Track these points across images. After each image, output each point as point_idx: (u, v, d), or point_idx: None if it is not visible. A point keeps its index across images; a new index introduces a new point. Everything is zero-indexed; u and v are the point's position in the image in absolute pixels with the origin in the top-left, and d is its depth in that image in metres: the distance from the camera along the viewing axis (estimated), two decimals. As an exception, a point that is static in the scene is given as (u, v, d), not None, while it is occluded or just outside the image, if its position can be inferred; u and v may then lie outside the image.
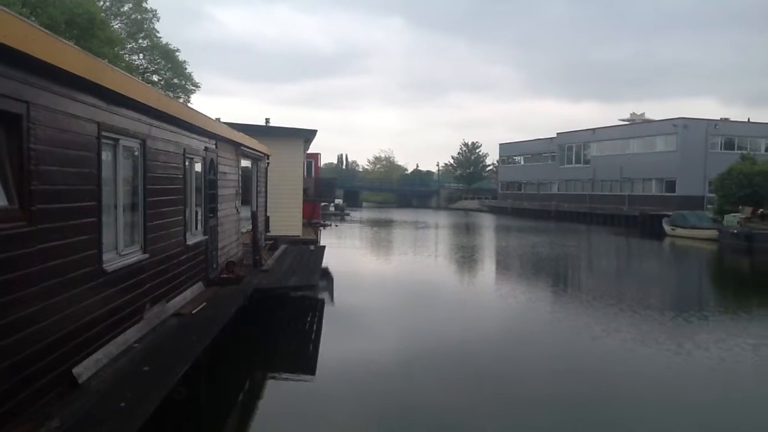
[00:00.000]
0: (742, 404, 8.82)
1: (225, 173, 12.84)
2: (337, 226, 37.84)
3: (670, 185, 55.26)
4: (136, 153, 7.58)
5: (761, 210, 35.93)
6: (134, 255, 7.46)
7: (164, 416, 5.97)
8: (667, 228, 41.50)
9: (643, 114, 70.57)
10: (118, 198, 6.99)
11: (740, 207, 37.46)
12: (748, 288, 21.84)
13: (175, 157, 9.09)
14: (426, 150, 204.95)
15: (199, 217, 10.88)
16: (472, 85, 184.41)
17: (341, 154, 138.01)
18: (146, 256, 7.76)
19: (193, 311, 8.96)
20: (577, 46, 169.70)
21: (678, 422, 8.04)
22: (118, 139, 6.82)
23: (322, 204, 35.67)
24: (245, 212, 15.50)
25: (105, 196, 6.45)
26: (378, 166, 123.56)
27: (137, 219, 7.67)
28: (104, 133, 6.34)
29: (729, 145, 55.45)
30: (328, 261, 22.17)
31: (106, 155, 6.56)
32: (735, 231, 34.99)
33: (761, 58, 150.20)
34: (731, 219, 36.51)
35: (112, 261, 6.69)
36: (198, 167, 10.65)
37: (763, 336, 12.65)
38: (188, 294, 9.79)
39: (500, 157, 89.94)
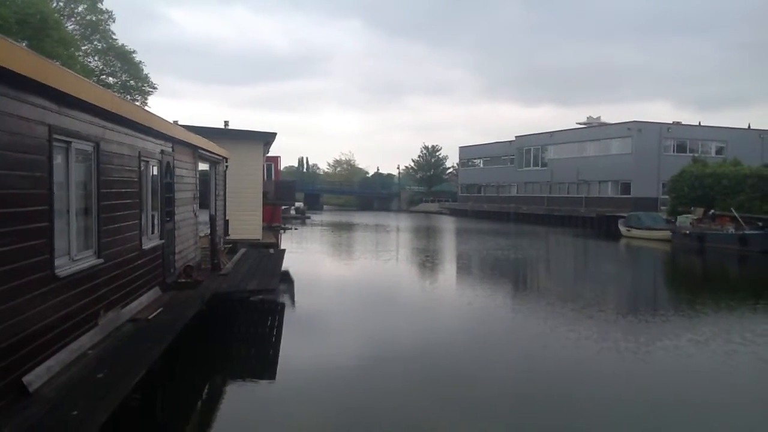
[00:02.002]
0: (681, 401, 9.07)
1: (182, 176, 12.67)
2: (296, 229, 37.63)
3: (626, 187, 56.48)
4: (90, 156, 7.44)
5: (712, 211, 36.97)
6: (88, 260, 7.31)
7: (119, 424, 5.87)
8: (622, 229, 42.43)
9: (599, 118, 71.98)
10: (71, 202, 6.85)
11: (692, 208, 38.51)
12: (698, 287, 22.45)
13: (130, 160, 8.94)
14: (387, 153, 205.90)
15: (156, 221, 10.71)
16: (432, 88, 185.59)
17: (302, 157, 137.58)
18: (100, 261, 7.61)
19: (150, 317, 8.82)
20: (533, 50, 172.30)
21: (627, 419, 8.22)
22: (70, 142, 6.68)
23: (283, 207, 35.46)
24: (204, 216, 15.33)
25: (57, 201, 6.32)
26: (339, 169, 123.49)
27: (91, 223, 7.51)
28: (56, 136, 6.20)
29: (681, 148, 56.92)
30: (289, 265, 22.03)
31: (57, 158, 6.42)
32: (687, 231, 35.98)
33: (709, 64, 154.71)
34: (684, 220, 37.50)
35: (64, 266, 6.54)
36: (154, 170, 10.50)
37: (706, 333, 12.99)
38: (144, 299, 9.63)
39: (460, 160, 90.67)
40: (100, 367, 6.39)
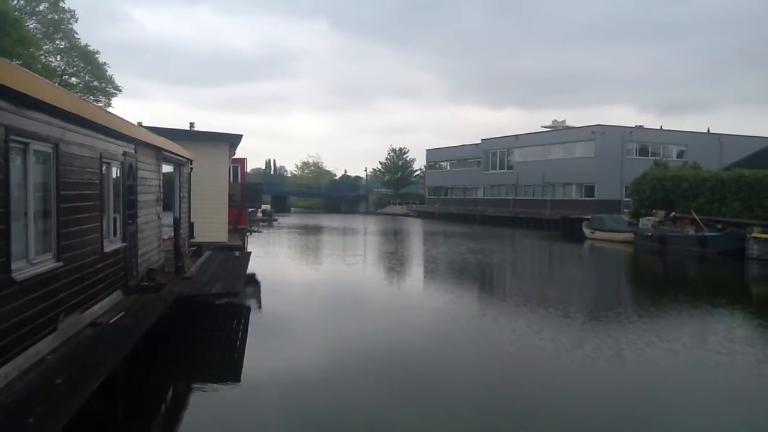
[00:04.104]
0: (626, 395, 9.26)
1: (145, 178, 12.51)
2: (260, 232, 37.38)
3: (590, 190, 57.38)
4: (49, 158, 7.30)
5: (673, 213, 37.76)
6: (47, 263, 7.17)
7: (78, 431, 5.77)
8: (586, 231, 43.11)
9: (564, 121, 73.00)
10: (29, 204, 6.71)
11: (654, 210, 39.26)
12: (658, 288, 22.92)
13: (90, 162, 8.80)
14: (354, 155, 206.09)
15: (118, 224, 10.55)
16: (398, 91, 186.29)
17: (269, 160, 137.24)
18: (60, 264, 7.47)
19: (111, 321, 8.69)
20: (499, 54, 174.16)
21: (579, 414, 8.36)
22: (27, 143, 6.55)
23: (249, 209, 35.19)
24: (168, 218, 15.15)
25: (14, 203, 6.19)
26: (306, 171, 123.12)
27: (50, 226, 7.37)
28: (12, 137, 6.08)
29: (643, 151, 58.03)
30: (256, 268, 21.90)
31: (14, 160, 6.30)
32: (649, 233, 36.72)
33: (670, 70, 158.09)
34: (646, 222, 38.24)
35: (22, 270, 6.41)
36: (116, 172, 10.35)
37: (655, 331, 13.27)
38: (106, 303, 9.49)
39: (427, 162, 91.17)
40: (58, 373, 6.27)
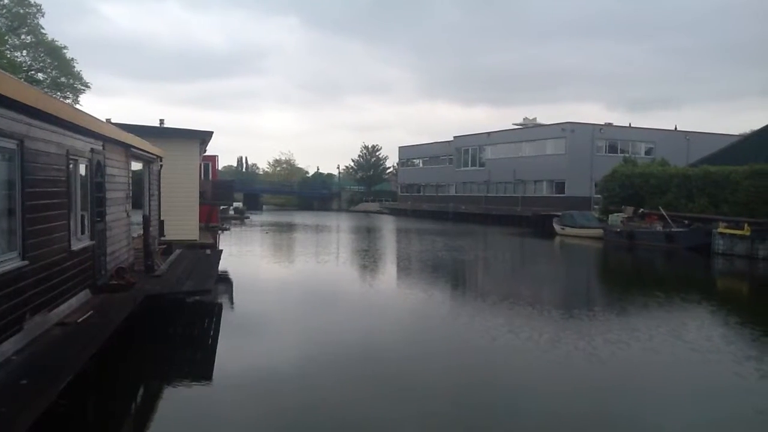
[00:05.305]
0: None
1: (114, 176, 12.34)
2: (229, 230, 37.09)
3: (560, 186, 58.00)
4: (14, 154, 7.16)
5: (641, 209, 38.36)
6: (11, 262, 7.04)
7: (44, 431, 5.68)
8: (557, 227, 43.59)
9: (535, 119, 73.66)
10: (-7, 202, 6.59)
11: (623, 207, 39.84)
12: (627, 283, 23.29)
13: (57, 159, 8.65)
14: (327, 152, 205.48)
15: (86, 222, 10.39)
16: (371, 88, 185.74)
17: (241, 157, 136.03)
18: (25, 263, 7.34)
19: (79, 320, 8.56)
20: (471, 51, 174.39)
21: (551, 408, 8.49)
22: (-9, 140, 6.43)
23: (221, 207, 34.92)
24: (137, 216, 14.96)
25: (-23, 200, 6.07)
26: (278, 168, 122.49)
27: (15, 224, 7.24)
28: (-25, 133, 5.96)
29: (612, 148, 58.80)
30: (228, 266, 21.76)
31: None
32: (618, 229, 37.26)
33: (638, 67, 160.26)
34: (615, 218, 38.79)
35: (-15, 269, 6.29)
36: (83, 169, 10.19)
37: (624, 327, 13.50)
38: (74, 302, 9.35)
39: (400, 159, 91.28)
40: (24, 374, 6.17)
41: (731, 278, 25.19)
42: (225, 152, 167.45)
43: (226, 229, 32.49)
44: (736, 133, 58.65)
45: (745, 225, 29.63)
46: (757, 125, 44.89)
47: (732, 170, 34.04)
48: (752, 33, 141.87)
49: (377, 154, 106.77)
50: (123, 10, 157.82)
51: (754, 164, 32.63)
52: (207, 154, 31.39)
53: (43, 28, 42.45)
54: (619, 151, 57.14)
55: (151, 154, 16.05)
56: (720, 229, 30.70)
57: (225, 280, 19.38)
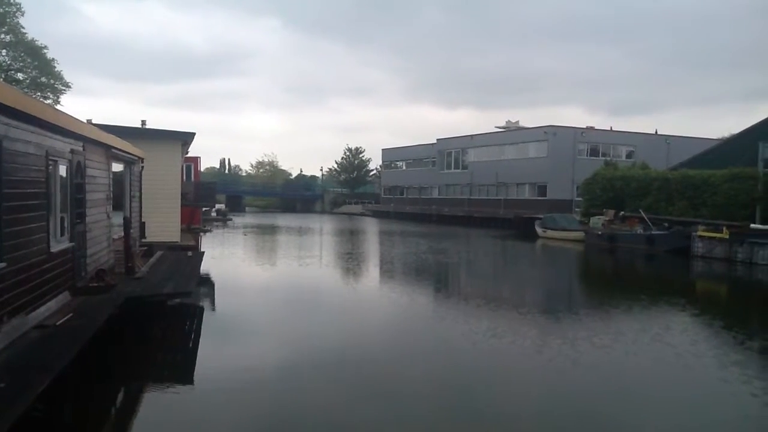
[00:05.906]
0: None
1: (94, 177, 12.23)
2: (210, 232, 36.91)
3: (542, 189, 58.37)
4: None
5: (622, 212, 38.69)
6: (-11, 264, 6.95)
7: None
8: (539, 230, 43.87)
9: (517, 122, 73.98)
10: (-30, 203, 6.50)
11: (604, 210, 40.15)
12: (607, 285, 23.49)
13: (36, 160, 8.56)
14: (310, 154, 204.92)
15: (66, 223, 10.29)
16: (353, 89, 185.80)
17: (223, 158, 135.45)
18: (3, 265, 7.25)
19: (58, 322, 8.47)
20: (453, 54, 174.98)
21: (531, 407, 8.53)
22: (-32, 140, 6.34)
23: (203, 209, 34.73)
24: (118, 218, 14.83)
25: (-47, 201, 5.98)
26: (261, 170, 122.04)
27: (-8, 225, 7.15)
28: (-48, 133, 5.87)
29: (594, 152, 59.30)
30: (210, 268, 21.63)
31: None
32: (600, 232, 37.57)
33: (619, 71, 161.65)
34: (596, 221, 39.09)
35: (-38, 271, 6.20)
36: (63, 170, 10.09)
37: (609, 329, 13.62)
38: (53, 304, 9.24)
39: (383, 162, 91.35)
40: (1, 377, 6.08)
41: (711, 281, 25.45)
42: (207, 154, 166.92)
43: (208, 231, 32.33)
44: (716, 137, 59.53)
45: (724, 228, 29.99)
46: (737, 129, 45.51)
47: (711, 174, 34.42)
48: (733, 38, 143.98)
49: (360, 156, 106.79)
50: (104, 10, 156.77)
51: (733, 168, 33.01)
52: (189, 155, 31.24)
53: (23, 27, 42.03)
54: (600, 155, 57.64)
55: (133, 155, 15.93)
56: (699, 233, 31.05)
57: (206, 282, 19.26)
